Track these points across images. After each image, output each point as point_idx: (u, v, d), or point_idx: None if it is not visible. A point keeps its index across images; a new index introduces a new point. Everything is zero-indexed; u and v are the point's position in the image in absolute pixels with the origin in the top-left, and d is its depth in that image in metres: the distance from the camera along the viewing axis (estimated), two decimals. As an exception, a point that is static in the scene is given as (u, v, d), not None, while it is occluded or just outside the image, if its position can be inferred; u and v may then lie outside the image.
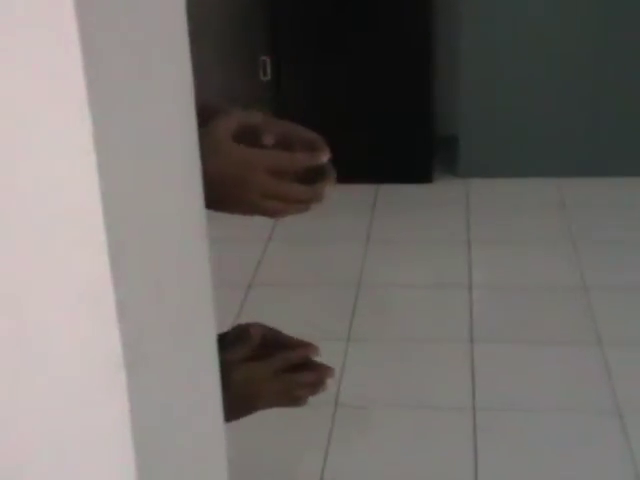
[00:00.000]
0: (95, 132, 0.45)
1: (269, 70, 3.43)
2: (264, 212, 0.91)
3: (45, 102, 0.44)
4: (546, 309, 2.63)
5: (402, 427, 2.20)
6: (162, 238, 0.57)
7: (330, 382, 0.98)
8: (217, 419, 0.68)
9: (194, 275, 0.62)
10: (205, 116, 0.86)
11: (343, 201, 3.29)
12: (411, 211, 3.29)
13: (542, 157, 3.42)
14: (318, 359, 1.00)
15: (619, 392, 2.23)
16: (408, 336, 2.54)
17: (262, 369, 0.97)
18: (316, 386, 0.98)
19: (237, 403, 0.96)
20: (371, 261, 2.94)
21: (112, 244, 0.47)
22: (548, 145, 3.40)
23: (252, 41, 3.46)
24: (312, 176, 0.92)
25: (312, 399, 1.00)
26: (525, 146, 3.41)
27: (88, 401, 0.51)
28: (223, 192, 0.88)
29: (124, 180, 0.50)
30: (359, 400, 2.20)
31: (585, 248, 2.91)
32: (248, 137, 0.91)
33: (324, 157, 0.91)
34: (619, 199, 3.25)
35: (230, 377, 0.96)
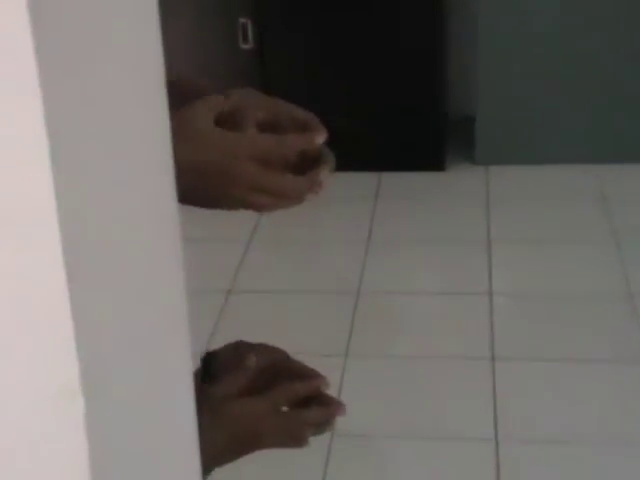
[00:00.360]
0: (46, 114, 0.45)
1: (250, 36, 3.41)
2: (251, 207, 0.91)
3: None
4: (582, 320, 2.64)
5: (409, 461, 2.20)
6: (126, 241, 0.56)
7: (339, 420, 0.99)
8: (193, 455, 0.68)
9: (165, 284, 0.62)
10: (179, 95, 0.86)
11: (339, 193, 3.29)
12: (420, 204, 3.29)
13: (575, 140, 3.42)
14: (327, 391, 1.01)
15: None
16: (416, 353, 2.54)
17: (261, 404, 0.97)
18: (323, 425, 0.98)
19: (231, 443, 0.96)
20: (372, 264, 2.94)
21: (67, 249, 0.47)
22: (581, 127, 3.41)
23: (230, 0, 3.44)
24: (306, 163, 0.92)
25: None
26: (554, 128, 3.42)
27: (38, 435, 0.51)
28: (202, 185, 0.88)
29: (80, 172, 0.50)
30: (359, 428, 2.20)
31: (630, 247, 2.91)
32: (231, 121, 0.91)
33: (319, 139, 0.91)
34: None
35: (223, 413, 0.96)
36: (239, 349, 1.03)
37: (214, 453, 0.93)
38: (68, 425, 0.50)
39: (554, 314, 2.68)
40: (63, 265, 0.47)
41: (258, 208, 0.92)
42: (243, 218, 3.10)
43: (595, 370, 2.45)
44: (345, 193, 3.32)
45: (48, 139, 0.44)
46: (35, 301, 0.48)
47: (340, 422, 1.00)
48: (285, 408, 1.00)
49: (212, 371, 1.02)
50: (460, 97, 3.56)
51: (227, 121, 0.90)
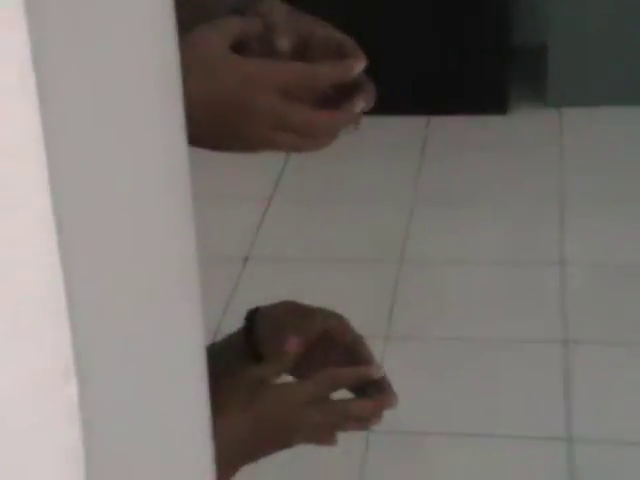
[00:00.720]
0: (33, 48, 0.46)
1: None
2: (273, 147, 0.92)
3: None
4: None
5: (458, 462, 2.22)
6: (125, 195, 0.58)
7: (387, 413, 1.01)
8: (205, 450, 0.70)
9: (173, 247, 0.63)
10: (195, 16, 0.87)
11: (378, 140, 3.30)
12: (477, 155, 3.29)
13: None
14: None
15: None
16: (471, 335, 2.56)
17: (300, 393, 1.00)
18: (369, 420, 1.01)
19: (262, 438, 0.98)
20: (418, 228, 2.95)
21: (57, 205, 0.48)
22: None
23: None
24: (339, 95, 0.93)
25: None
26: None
27: (28, 420, 0.52)
28: (217, 122, 0.89)
29: (71, 113, 0.51)
30: (402, 424, 2.22)
31: None
32: (252, 45, 0.91)
33: (358, 67, 0.91)
34: None
35: (255, 399, 0.98)
36: (289, 316, 1.06)
37: (237, 448, 0.95)
38: (61, 410, 0.51)
39: (638, 290, 2.68)
40: (54, 226, 0.48)
41: (282, 149, 0.93)
42: (262, 170, 3.14)
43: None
44: (385, 141, 3.33)
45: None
46: (22, 268, 0.49)
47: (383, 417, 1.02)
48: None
49: (257, 332, 1.05)
50: (529, 24, 3.54)
51: (247, 46, 0.91)
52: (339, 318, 1.10)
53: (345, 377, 1.03)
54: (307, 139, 0.91)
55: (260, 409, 0.98)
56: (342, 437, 1.05)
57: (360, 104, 0.92)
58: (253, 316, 1.10)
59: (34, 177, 0.48)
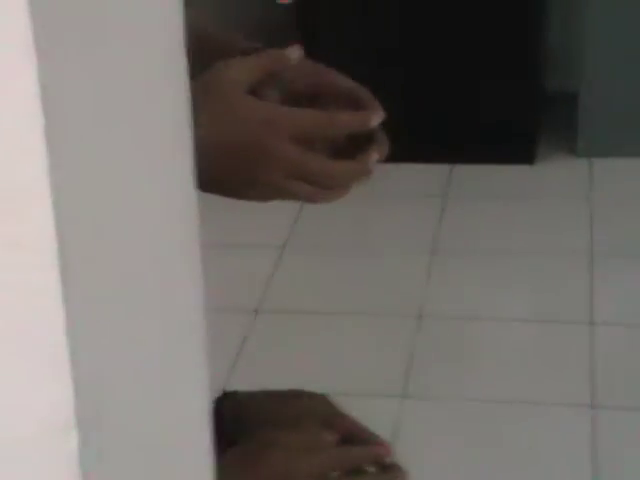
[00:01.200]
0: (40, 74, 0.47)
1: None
2: (288, 197, 0.93)
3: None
4: None
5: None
6: (130, 242, 0.58)
7: None
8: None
9: (179, 296, 0.64)
10: (208, 55, 0.88)
11: (398, 189, 3.31)
12: (502, 206, 3.30)
13: None
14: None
15: None
16: (492, 396, 2.55)
17: (310, 462, 1.00)
18: None
19: None
20: (438, 282, 2.95)
21: (63, 245, 0.49)
22: None
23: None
24: (354, 145, 0.94)
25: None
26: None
27: (27, 472, 0.53)
28: (230, 168, 0.90)
29: (78, 153, 0.52)
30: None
31: None
32: (268, 89, 0.93)
33: (376, 120, 0.93)
34: None
35: (256, 462, 0.98)
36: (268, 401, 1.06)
37: None
38: (59, 463, 0.52)
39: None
40: (58, 270, 0.49)
41: (295, 198, 0.94)
42: (276, 216, 3.15)
43: None
44: (406, 189, 3.34)
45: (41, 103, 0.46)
46: (24, 312, 0.50)
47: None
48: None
49: (226, 415, 1.05)
50: (560, 69, 3.56)
51: (263, 90, 0.93)
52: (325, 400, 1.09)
53: (359, 457, 1.03)
54: (321, 189, 0.93)
55: (265, 472, 0.98)
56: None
57: (375, 156, 0.93)
58: (222, 398, 1.08)
59: (40, 221, 0.48)
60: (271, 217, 3.14)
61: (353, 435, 1.05)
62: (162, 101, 0.61)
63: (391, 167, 3.28)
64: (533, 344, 2.76)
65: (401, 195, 3.32)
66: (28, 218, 0.49)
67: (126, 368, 0.57)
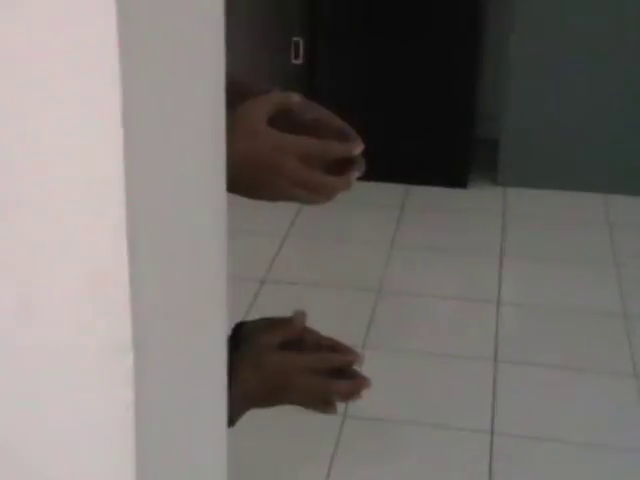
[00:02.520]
0: (123, 105, 0.47)
1: (302, 53, 3.43)
2: (290, 199, 0.94)
3: (76, 73, 0.46)
4: (579, 334, 2.63)
5: (414, 444, 2.21)
6: (180, 219, 0.58)
7: (365, 393, 1.01)
8: (220, 420, 0.70)
9: (210, 262, 0.64)
10: (237, 94, 0.89)
11: (369, 200, 3.30)
12: (442, 217, 3.29)
13: (589, 170, 3.41)
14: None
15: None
16: (428, 350, 2.55)
17: (298, 362, 1.00)
18: (350, 395, 1.01)
19: (266, 391, 0.99)
20: (394, 267, 2.95)
21: (131, 218, 0.48)
22: (596, 158, 3.39)
23: (285, 20, 3.47)
24: (339, 166, 0.95)
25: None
26: (572, 156, 3.40)
27: (91, 385, 0.52)
28: (252, 176, 0.91)
29: (147, 155, 0.52)
30: (370, 412, 2.21)
31: (629, 273, 2.90)
32: (282, 121, 0.93)
33: (357, 150, 0.94)
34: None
35: (261, 360, 0.98)
36: (282, 319, 1.05)
37: (247, 395, 0.96)
38: (119, 376, 0.51)
39: (554, 325, 2.67)
40: (126, 237, 0.49)
41: (297, 201, 0.95)
42: (281, 215, 3.14)
43: (586, 379, 2.44)
44: (375, 200, 3.33)
45: (123, 130, 0.46)
46: (99, 268, 0.50)
47: (352, 406, 1.02)
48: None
49: (257, 327, 1.04)
50: (487, 122, 3.56)
51: (280, 122, 0.93)
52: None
53: (335, 360, 1.02)
54: (315, 194, 0.94)
55: (265, 369, 0.99)
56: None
57: (356, 174, 0.94)
58: (238, 328, 1.06)
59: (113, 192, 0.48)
60: (277, 214, 3.14)
61: (332, 345, 1.04)
62: (206, 128, 0.61)
63: (366, 184, 3.29)
64: (455, 315, 2.76)
65: (372, 205, 3.32)
66: (106, 205, 0.48)
67: (170, 308, 0.57)
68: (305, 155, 0.92)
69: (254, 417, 1.04)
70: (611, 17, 3.23)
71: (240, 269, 2.74)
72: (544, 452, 2.18)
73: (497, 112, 3.43)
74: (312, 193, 0.93)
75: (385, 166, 3.31)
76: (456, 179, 3.44)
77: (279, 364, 0.99)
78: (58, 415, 0.53)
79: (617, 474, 2.11)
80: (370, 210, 3.30)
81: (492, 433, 2.22)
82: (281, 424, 2.04)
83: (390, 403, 2.32)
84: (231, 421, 1.00)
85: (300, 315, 1.04)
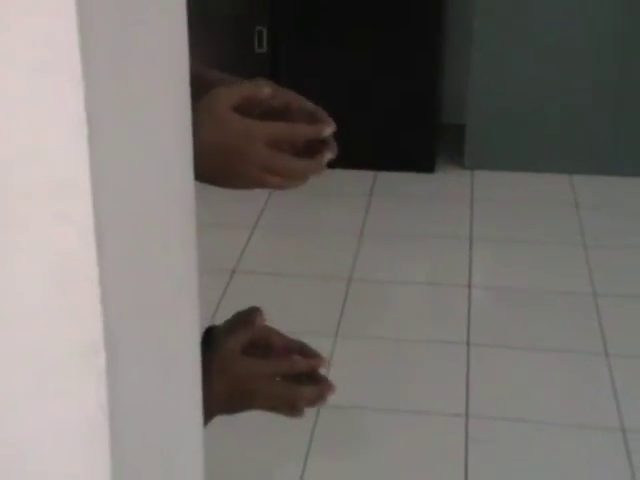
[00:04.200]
0: (87, 103, 0.46)
1: (265, 42, 3.42)
2: (261, 185, 0.93)
3: (38, 72, 0.45)
4: (550, 315, 2.65)
5: (389, 432, 2.22)
6: (149, 216, 0.58)
7: (331, 398, 1.00)
8: (195, 416, 0.69)
9: (180, 259, 0.64)
10: (202, 86, 0.88)
11: (337, 188, 3.30)
12: (410, 202, 3.30)
13: (555, 152, 3.44)
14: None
15: (623, 406, 2.26)
16: (400, 336, 2.56)
17: (264, 368, 0.98)
18: (316, 400, 1.00)
19: (232, 397, 0.98)
20: (364, 254, 2.95)
21: (98, 217, 0.48)
22: (562, 139, 3.42)
23: (248, 9, 3.46)
24: (311, 147, 0.94)
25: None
26: (537, 139, 3.43)
27: (63, 387, 0.52)
28: (221, 164, 0.90)
29: (113, 153, 0.51)
30: (344, 401, 2.21)
31: (596, 252, 2.93)
32: (249, 108, 0.92)
33: (328, 130, 0.93)
34: (636, 201, 3.27)
35: (226, 366, 0.97)
36: (247, 314, 1.04)
37: (214, 401, 0.94)
38: (91, 377, 0.51)
39: (525, 307, 2.70)
40: (94, 237, 0.48)
41: (267, 187, 0.94)
42: (250, 206, 3.13)
43: (558, 359, 2.47)
44: (343, 188, 3.33)
45: (87, 129, 0.46)
46: (67, 269, 0.49)
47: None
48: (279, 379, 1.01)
49: (223, 331, 1.03)
50: (452, 107, 3.57)
51: (247, 109, 0.92)
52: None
53: (300, 365, 1.01)
54: (287, 180, 0.93)
55: (231, 375, 0.97)
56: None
57: (327, 156, 0.93)
58: (207, 332, 1.04)
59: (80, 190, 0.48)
60: (246, 206, 3.13)
61: (300, 348, 1.02)
62: (171, 123, 0.60)
63: (334, 172, 3.28)
64: (427, 300, 2.77)
65: (340, 193, 3.32)
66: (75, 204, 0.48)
67: (141, 307, 0.56)
68: (273, 140, 0.91)
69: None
70: (573, 0, 3.26)
71: (210, 261, 2.73)
72: (518, 434, 2.21)
73: (462, 97, 3.44)
74: (283, 178, 0.92)
75: (352, 153, 3.30)
76: (423, 164, 3.45)
77: (245, 370, 0.97)
78: (31, 418, 0.53)
79: (592, 453, 2.14)
80: (338, 198, 3.30)
81: (467, 416, 2.24)
82: (254, 416, 2.04)
83: (364, 391, 2.33)
84: None
85: (257, 313, 1.02)
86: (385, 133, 3.43)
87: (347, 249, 2.97)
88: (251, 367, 0.98)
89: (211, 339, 1.00)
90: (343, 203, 3.28)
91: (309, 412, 2.15)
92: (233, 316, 1.04)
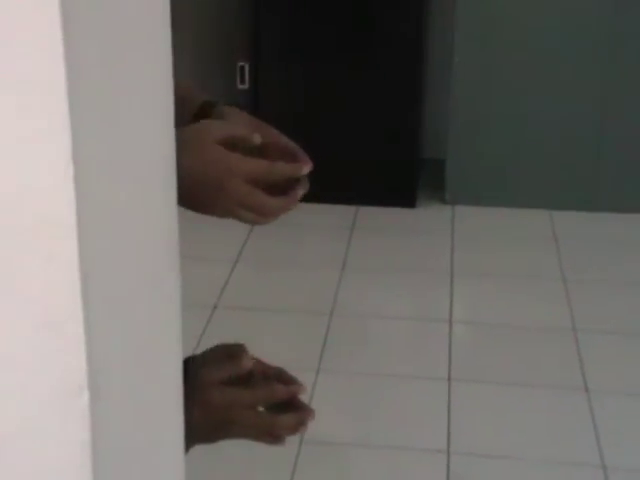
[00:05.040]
0: (73, 141, 0.47)
1: (247, 77, 3.45)
2: (236, 218, 0.95)
3: (23, 112, 0.46)
4: (530, 350, 2.66)
5: (370, 467, 2.21)
6: (134, 254, 0.58)
7: (310, 424, 1.00)
8: (177, 451, 0.69)
9: (165, 298, 0.64)
10: (182, 106, 0.89)
11: (319, 223, 3.32)
12: (391, 237, 3.32)
13: (535, 187, 3.47)
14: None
15: (603, 442, 2.26)
16: (382, 371, 2.56)
17: (244, 397, 0.98)
18: (297, 427, 1.00)
19: (212, 427, 0.98)
20: (346, 289, 2.96)
21: (84, 257, 0.48)
22: (542, 175, 3.45)
23: (230, 45, 3.49)
24: (285, 184, 0.95)
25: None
26: (517, 175, 3.46)
27: (47, 426, 0.52)
28: (199, 193, 0.92)
29: (99, 190, 0.51)
30: (326, 437, 2.21)
31: (576, 287, 2.95)
32: (233, 143, 0.94)
33: (306, 169, 0.94)
34: (614, 236, 3.30)
35: (208, 398, 0.97)
36: (231, 349, 1.04)
37: (193, 431, 0.94)
38: (75, 417, 0.51)
39: (506, 342, 2.70)
40: (79, 276, 0.48)
41: (241, 220, 0.96)
42: (232, 239, 3.13)
43: (539, 395, 2.47)
44: (325, 222, 3.35)
45: (73, 168, 0.46)
46: (52, 309, 0.49)
47: (309, 430, 1.02)
48: (261, 408, 1.01)
49: (202, 362, 1.02)
50: (433, 143, 3.61)
51: (229, 142, 0.94)
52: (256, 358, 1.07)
53: (279, 392, 1.01)
54: (261, 217, 0.94)
55: (210, 405, 0.97)
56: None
57: (300, 193, 0.95)
58: (187, 361, 1.06)
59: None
60: (228, 240, 3.13)
61: (278, 374, 1.03)
62: (156, 155, 0.61)
63: (314, 206, 3.30)
64: (408, 335, 2.77)
65: (322, 227, 3.33)
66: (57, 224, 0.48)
67: (126, 347, 0.56)
68: (252, 175, 0.93)
69: (210, 445, 1.03)
70: (554, 36, 3.30)
71: (192, 295, 2.71)
72: (499, 469, 2.20)
73: (443, 132, 3.47)
74: (257, 214, 0.94)
75: (333, 188, 3.33)
76: (404, 199, 3.47)
77: (224, 400, 0.97)
78: (14, 456, 0.52)
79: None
80: (320, 232, 3.31)
81: (448, 453, 2.23)
82: (236, 450, 2.03)
83: (345, 426, 2.32)
84: None
85: (244, 353, 1.01)
86: (367, 168, 3.45)
87: (329, 283, 2.98)
88: (230, 397, 0.98)
89: (189, 369, 1.00)
90: (325, 237, 3.29)
91: (291, 446, 2.14)
92: (216, 347, 1.04)
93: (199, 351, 1.05)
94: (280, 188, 0.95)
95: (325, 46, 3.38)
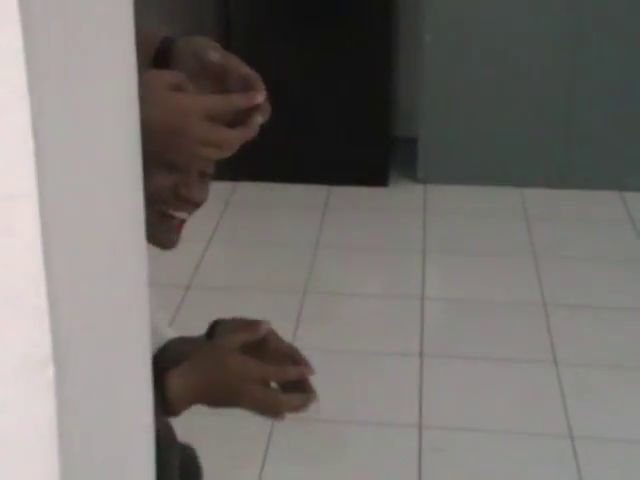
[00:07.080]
0: (33, 116, 0.46)
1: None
2: (199, 158, 0.96)
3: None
4: (501, 325, 2.69)
5: (343, 442, 2.22)
6: (97, 229, 0.58)
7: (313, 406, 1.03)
8: (146, 424, 0.69)
9: (129, 272, 0.63)
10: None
11: (292, 202, 3.32)
12: (364, 215, 3.32)
13: (506, 165, 3.49)
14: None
15: (572, 414, 2.29)
16: (355, 348, 2.57)
17: (256, 370, 1.02)
18: (299, 408, 1.03)
19: (224, 391, 1.00)
20: (319, 267, 2.96)
21: (45, 231, 0.48)
22: (513, 154, 3.47)
23: (198, 24, 3.46)
24: (244, 114, 0.96)
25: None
26: (489, 153, 3.48)
27: (11, 401, 0.51)
28: (159, 142, 0.91)
29: (60, 165, 0.51)
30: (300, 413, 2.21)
31: (546, 263, 2.98)
32: (183, 86, 0.94)
33: (260, 98, 0.95)
34: (585, 213, 3.33)
35: (221, 360, 1.00)
36: (249, 320, 1.09)
37: (203, 389, 0.97)
38: (40, 390, 0.51)
39: (477, 318, 2.73)
40: (41, 250, 0.48)
41: (202, 158, 0.96)
42: (205, 219, 3.12)
43: (509, 369, 2.50)
44: (298, 202, 3.34)
45: (34, 143, 0.46)
46: (14, 283, 0.49)
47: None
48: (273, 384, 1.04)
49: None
50: (405, 121, 3.61)
51: (180, 86, 0.94)
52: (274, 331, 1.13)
53: (290, 373, 1.04)
54: (221, 150, 0.94)
55: (226, 368, 1.01)
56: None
57: (259, 119, 0.95)
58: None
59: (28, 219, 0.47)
60: (201, 220, 3.11)
61: (291, 352, 1.07)
62: (119, 127, 0.60)
63: (287, 186, 3.30)
64: (381, 312, 2.79)
65: (295, 207, 3.33)
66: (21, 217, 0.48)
67: (90, 320, 0.56)
68: (209, 113, 0.93)
69: (183, 418, 1.04)
70: (523, 15, 3.31)
71: (165, 276, 2.71)
72: (470, 442, 2.23)
73: (415, 111, 3.47)
74: (217, 149, 0.94)
75: (306, 168, 3.33)
76: (377, 178, 3.48)
77: (238, 367, 1.01)
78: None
79: (541, 460, 2.17)
80: (293, 212, 3.31)
81: (420, 427, 2.26)
82: (211, 425, 2.03)
83: (319, 402, 2.33)
84: (176, 412, 1.01)
85: (261, 322, 1.08)
86: (338, 148, 3.45)
87: (302, 262, 2.98)
88: (244, 365, 1.02)
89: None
90: (298, 217, 3.28)
91: (264, 422, 2.14)
92: (235, 318, 1.10)
93: (175, 325, 1.08)
94: (240, 119, 0.95)
95: (295, 27, 3.36)
